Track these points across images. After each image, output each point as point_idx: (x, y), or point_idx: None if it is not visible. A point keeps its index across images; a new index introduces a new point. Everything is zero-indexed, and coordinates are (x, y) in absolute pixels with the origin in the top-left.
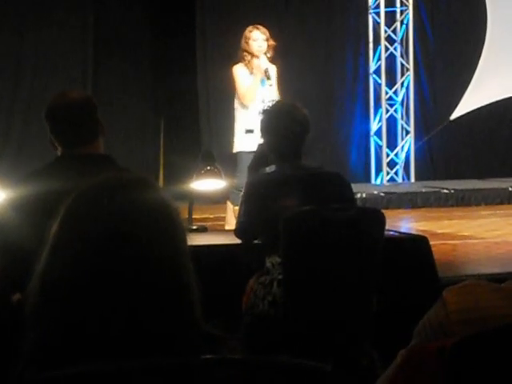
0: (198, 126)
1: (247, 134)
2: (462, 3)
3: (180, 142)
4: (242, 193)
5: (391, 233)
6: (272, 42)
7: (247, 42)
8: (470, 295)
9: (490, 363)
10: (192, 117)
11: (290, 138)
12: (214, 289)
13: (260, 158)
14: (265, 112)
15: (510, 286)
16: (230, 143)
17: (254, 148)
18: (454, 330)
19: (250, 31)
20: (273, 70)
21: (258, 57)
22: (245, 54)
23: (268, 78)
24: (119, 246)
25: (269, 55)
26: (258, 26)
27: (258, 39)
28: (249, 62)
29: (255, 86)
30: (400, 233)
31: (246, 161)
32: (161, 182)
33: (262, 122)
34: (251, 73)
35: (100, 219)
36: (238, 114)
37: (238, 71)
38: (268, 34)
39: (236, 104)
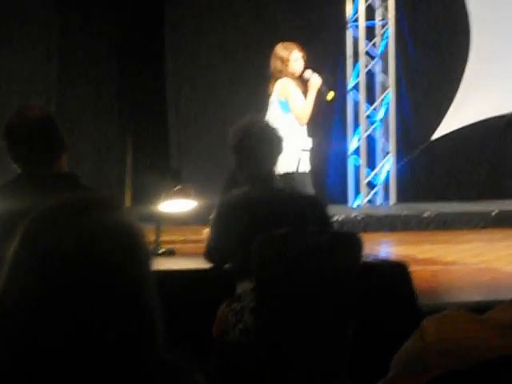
0: (167, 145)
1: (303, 153)
2: (444, 17)
3: (148, 160)
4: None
5: (369, 258)
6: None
7: (286, 64)
8: (450, 325)
9: None
10: (161, 135)
11: (261, 159)
12: (182, 315)
13: (232, 178)
14: (234, 130)
15: (492, 316)
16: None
17: (307, 167)
18: (433, 362)
19: (289, 50)
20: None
21: (297, 79)
22: (279, 75)
23: (324, 93)
24: (78, 269)
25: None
26: (293, 44)
27: (298, 59)
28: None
29: (311, 104)
30: (378, 258)
31: (302, 182)
32: (128, 203)
33: (232, 140)
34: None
35: (58, 241)
36: (290, 131)
37: (291, 87)
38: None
39: (286, 121)
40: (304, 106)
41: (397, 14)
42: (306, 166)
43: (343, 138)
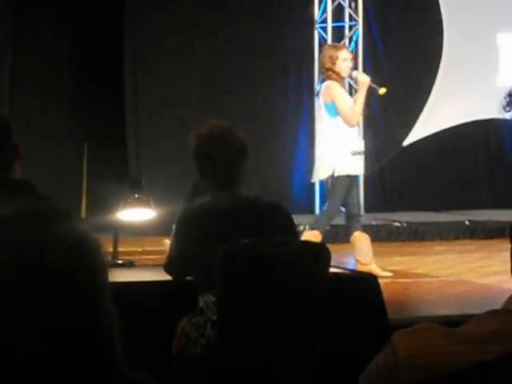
0: (125, 152)
1: (354, 156)
2: (416, 19)
3: (105, 168)
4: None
5: (337, 270)
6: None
7: (334, 63)
8: (421, 340)
9: None
10: (118, 142)
11: (224, 166)
12: (141, 330)
13: (196, 186)
14: (195, 136)
15: (465, 330)
16: (324, 167)
17: (360, 171)
18: (404, 377)
19: (338, 49)
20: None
21: (343, 78)
22: (330, 73)
23: (376, 90)
24: (31, 281)
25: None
26: (343, 45)
27: (347, 59)
28: (339, 81)
29: (362, 105)
30: (346, 270)
31: (346, 185)
32: (83, 212)
33: (194, 147)
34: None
35: (11, 252)
36: (339, 134)
37: (338, 89)
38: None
39: (334, 124)
40: (353, 106)
41: (366, 16)
42: (358, 169)
43: (310, 144)
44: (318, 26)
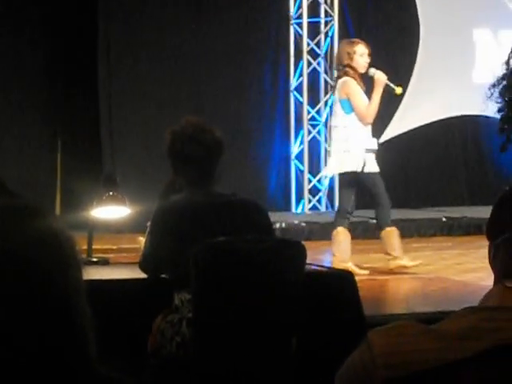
0: (100, 149)
1: (368, 154)
2: (392, 15)
3: (79, 165)
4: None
5: (313, 267)
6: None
7: (352, 58)
8: (398, 337)
9: None
10: (93, 138)
11: (197, 163)
12: (116, 328)
13: (171, 183)
14: (171, 134)
15: (442, 328)
16: (344, 162)
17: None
18: (380, 374)
19: (355, 44)
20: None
21: (361, 74)
22: (346, 69)
23: (392, 88)
24: (3, 279)
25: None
26: (360, 40)
27: (364, 54)
28: (357, 78)
29: (377, 103)
30: (322, 267)
31: (369, 182)
32: (57, 209)
33: (167, 144)
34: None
35: None
36: (354, 132)
37: (355, 86)
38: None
39: (348, 121)
40: (369, 105)
41: (342, 11)
42: (373, 167)
43: (285, 141)
44: (293, 21)
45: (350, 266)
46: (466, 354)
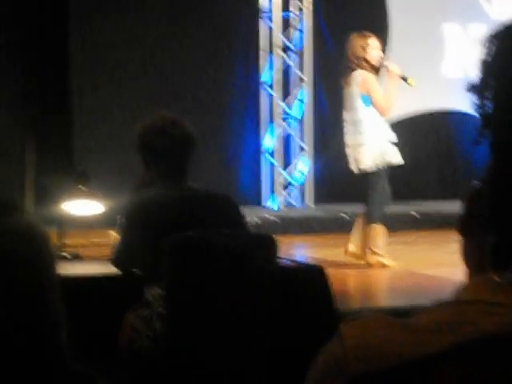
0: (71, 144)
1: (392, 145)
2: (363, 9)
3: (51, 161)
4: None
5: (285, 262)
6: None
7: (365, 50)
8: (370, 330)
9: None
10: (64, 133)
11: (168, 157)
12: (87, 323)
13: (143, 178)
14: (141, 128)
15: (415, 321)
16: (357, 159)
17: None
18: (352, 368)
19: (367, 38)
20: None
21: (375, 67)
22: (360, 62)
23: (406, 80)
24: None
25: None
26: (371, 34)
27: (377, 47)
28: (370, 71)
29: (394, 95)
30: (295, 262)
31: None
32: (29, 205)
33: (138, 138)
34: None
35: None
36: (376, 123)
37: (372, 80)
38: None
39: (368, 113)
40: (387, 97)
41: (314, 5)
42: (398, 159)
43: (257, 135)
44: (264, 15)
45: (383, 260)
46: (440, 348)
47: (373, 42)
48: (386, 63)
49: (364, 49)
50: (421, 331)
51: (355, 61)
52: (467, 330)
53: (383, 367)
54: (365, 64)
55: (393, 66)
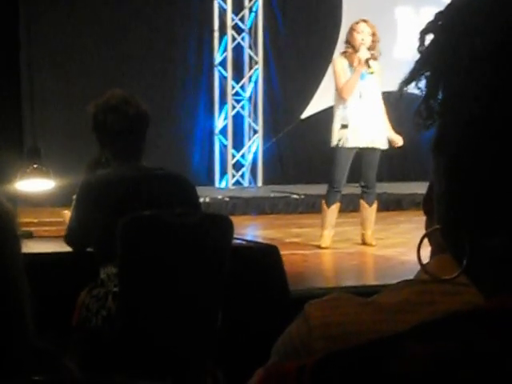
0: (21, 120)
1: (342, 130)
2: None
3: (0, 138)
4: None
5: (238, 241)
6: (377, 38)
7: (352, 34)
8: (335, 309)
9: (353, 381)
10: (13, 110)
11: (121, 136)
12: (40, 302)
13: (97, 157)
14: (94, 106)
15: (378, 300)
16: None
17: (350, 144)
18: (317, 346)
19: (357, 23)
20: (375, 65)
21: (358, 50)
22: (347, 46)
23: (368, 66)
24: None
25: (372, 52)
26: (367, 20)
27: (362, 32)
28: (350, 54)
29: (355, 78)
30: (248, 241)
31: (340, 156)
32: None
33: (91, 117)
34: (351, 65)
35: None
36: (335, 109)
37: (337, 63)
38: (375, 29)
39: (335, 99)
40: (347, 81)
41: None
42: (354, 143)
43: (210, 115)
44: None
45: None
46: (402, 327)
47: (359, 27)
48: (360, 48)
49: (351, 32)
50: (385, 310)
51: (345, 44)
52: (431, 309)
53: (349, 346)
54: (348, 47)
55: (362, 52)
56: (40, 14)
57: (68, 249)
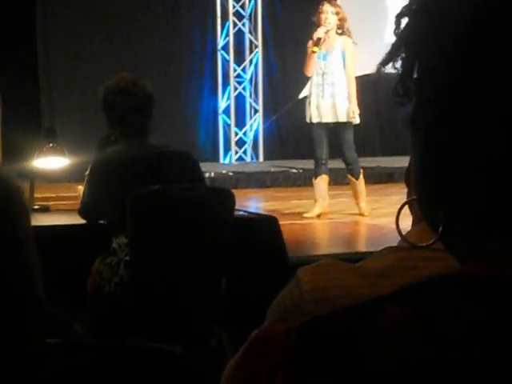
0: (39, 102)
1: (308, 106)
2: None
3: (19, 118)
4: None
5: (240, 213)
6: (342, 16)
7: (318, 15)
8: (324, 274)
9: (339, 343)
10: (32, 91)
11: (130, 116)
12: (57, 270)
13: (107, 136)
14: (105, 88)
15: (364, 266)
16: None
17: (315, 119)
18: (308, 309)
19: (322, 4)
20: (348, 43)
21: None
22: (314, 27)
23: (315, 45)
24: None
25: (339, 31)
26: (331, 0)
27: (325, 12)
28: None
29: (308, 57)
30: (250, 213)
31: (312, 132)
32: None
33: (101, 98)
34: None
35: None
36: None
37: (308, 44)
38: (339, 8)
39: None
40: (306, 59)
41: None
42: (320, 119)
43: (214, 96)
44: None
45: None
46: (385, 290)
47: (323, 8)
48: (318, 29)
49: (317, 15)
50: (371, 275)
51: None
52: (414, 274)
53: (334, 309)
54: (314, 27)
55: (316, 33)
56: (56, 3)
57: (82, 221)
